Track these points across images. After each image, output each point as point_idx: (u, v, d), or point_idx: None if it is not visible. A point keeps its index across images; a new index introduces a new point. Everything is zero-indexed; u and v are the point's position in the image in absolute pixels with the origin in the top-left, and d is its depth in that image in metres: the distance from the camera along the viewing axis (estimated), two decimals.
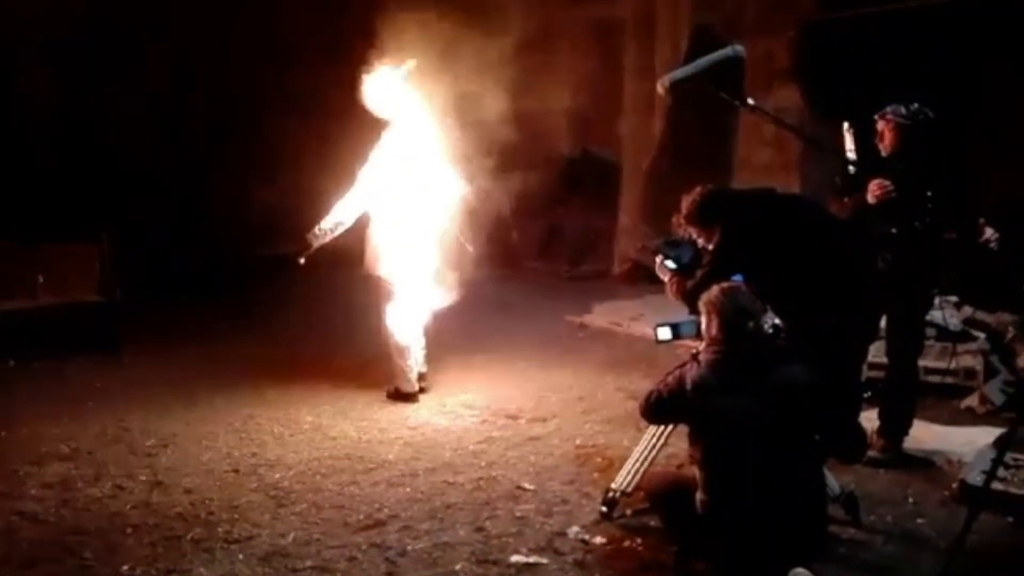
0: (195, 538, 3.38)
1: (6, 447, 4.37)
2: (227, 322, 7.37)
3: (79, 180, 9.33)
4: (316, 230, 5.13)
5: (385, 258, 5.18)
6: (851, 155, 4.17)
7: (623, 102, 9.94)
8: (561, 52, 11.02)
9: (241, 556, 3.24)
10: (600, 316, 7.44)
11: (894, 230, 4.06)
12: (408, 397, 5.21)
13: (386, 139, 5.20)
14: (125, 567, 3.16)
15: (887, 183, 3.96)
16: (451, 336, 6.88)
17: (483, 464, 4.18)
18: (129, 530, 3.45)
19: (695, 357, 3.08)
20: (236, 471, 4.08)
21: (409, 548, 3.31)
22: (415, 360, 5.31)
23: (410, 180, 5.17)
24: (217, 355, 6.32)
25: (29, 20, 8.99)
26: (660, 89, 3.64)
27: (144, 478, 3.99)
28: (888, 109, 4.08)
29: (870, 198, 4.00)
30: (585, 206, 10.07)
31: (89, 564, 3.19)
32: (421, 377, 5.35)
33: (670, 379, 3.06)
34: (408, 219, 5.18)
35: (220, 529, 3.46)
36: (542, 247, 10.20)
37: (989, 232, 4.03)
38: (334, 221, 5.14)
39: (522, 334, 7.02)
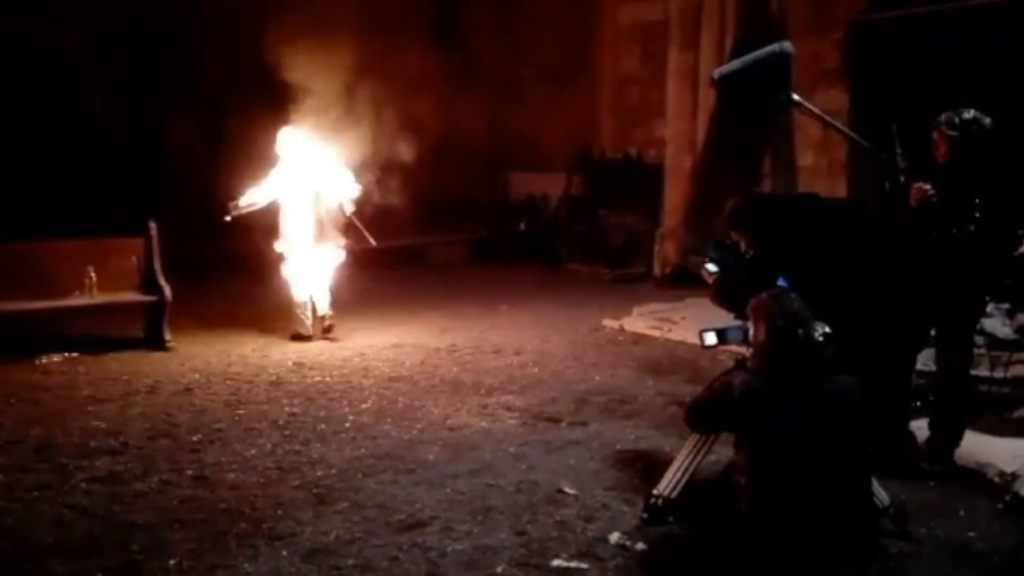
0: (240, 534, 3.43)
1: (56, 441, 4.46)
2: (264, 315, 7.49)
3: (128, 177, 9.59)
4: (234, 204, 6.67)
5: (282, 235, 6.70)
6: (899, 158, 4.09)
7: (666, 104, 9.88)
8: (603, 52, 11.04)
9: (285, 553, 3.28)
10: (641, 319, 7.38)
11: (934, 235, 3.97)
12: (303, 338, 6.72)
13: (288, 147, 6.73)
14: (172, 561, 3.21)
15: (926, 187, 3.88)
16: (489, 337, 6.94)
17: (523, 467, 4.18)
18: (176, 525, 3.50)
19: (741, 364, 3.04)
20: (280, 468, 4.13)
21: (450, 549, 3.32)
22: (308, 309, 6.78)
23: (307, 177, 6.69)
24: (258, 349, 6.43)
25: (87, 22, 9.26)
26: (711, 82, 3.65)
27: (190, 473, 4.05)
28: (942, 119, 3.98)
29: (911, 201, 3.93)
30: (627, 208, 10.03)
31: (137, 558, 3.25)
32: (329, 328, 6.80)
33: (716, 386, 3.03)
34: (304, 205, 6.69)
35: (264, 526, 3.50)
36: (583, 249, 10.18)
37: None
38: (248, 201, 6.69)
39: (561, 336, 7.01)
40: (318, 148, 6.83)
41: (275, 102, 7.92)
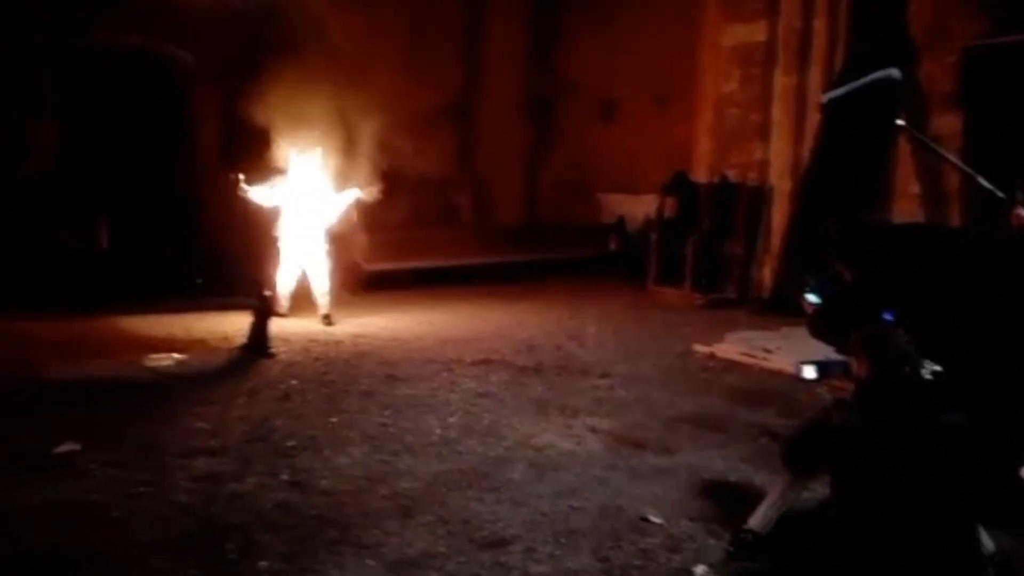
0: (329, 540, 3.52)
1: (162, 440, 4.68)
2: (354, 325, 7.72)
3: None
4: (244, 184, 7.63)
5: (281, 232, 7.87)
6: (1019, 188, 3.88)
7: (766, 127, 9.67)
8: (704, 74, 10.89)
9: (371, 562, 3.34)
10: (733, 347, 7.19)
11: None
12: (280, 315, 7.64)
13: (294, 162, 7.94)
14: (264, 563, 3.32)
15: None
16: (576, 357, 6.91)
17: (608, 492, 4.13)
18: (269, 527, 3.62)
19: (840, 402, 2.93)
20: (368, 478, 4.22)
21: (532, 570, 3.31)
22: (285, 294, 7.91)
23: (305, 186, 7.91)
24: (352, 360, 6.60)
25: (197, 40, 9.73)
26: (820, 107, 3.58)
27: (284, 478, 4.18)
28: None
29: (1013, 229, 3.74)
30: (722, 232, 9.83)
31: (232, 557, 3.37)
32: (326, 317, 7.91)
33: (814, 423, 2.93)
34: (302, 211, 7.88)
35: (352, 534, 3.58)
36: (675, 272, 10.03)
37: None
38: (257, 192, 7.71)
39: (649, 360, 6.90)
40: (320, 162, 8.02)
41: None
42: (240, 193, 7.64)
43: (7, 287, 7.83)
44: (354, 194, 8.15)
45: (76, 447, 4.47)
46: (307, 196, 7.94)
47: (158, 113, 9.94)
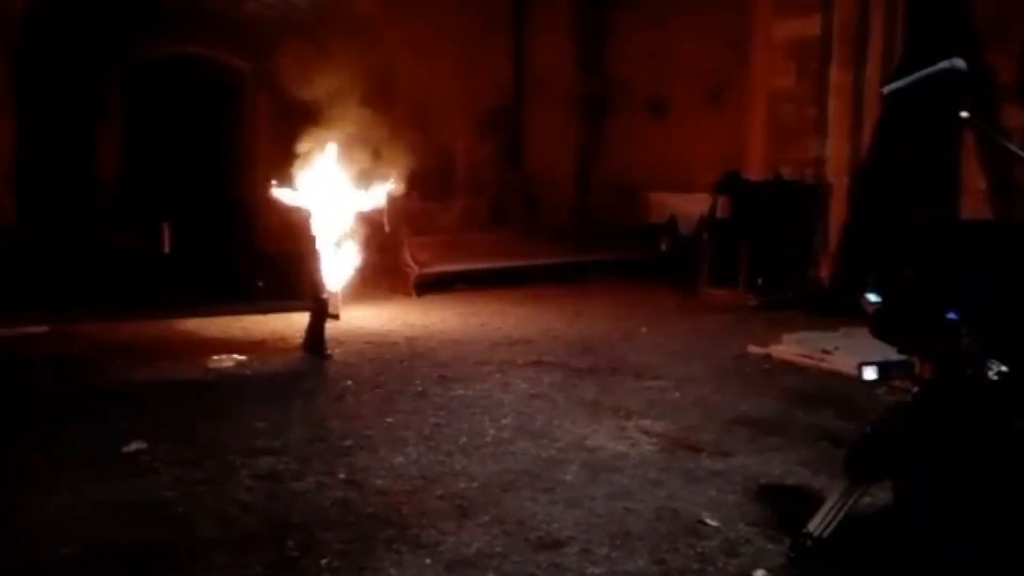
0: (387, 539, 3.57)
1: (225, 440, 4.81)
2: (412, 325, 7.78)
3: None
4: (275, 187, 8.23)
5: (317, 232, 8.03)
6: None
7: (823, 123, 9.49)
8: (755, 69, 10.74)
9: (428, 561, 3.38)
10: (790, 348, 7.07)
11: None
12: (333, 317, 7.57)
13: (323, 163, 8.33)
14: (324, 560, 3.38)
15: None
16: (628, 359, 6.88)
17: (663, 495, 4.11)
18: (328, 526, 3.69)
19: (902, 403, 2.87)
20: (424, 477, 4.27)
21: (588, 572, 3.31)
22: (333, 294, 7.95)
23: (334, 187, 8.36)
24: (406, 360, 6.67)
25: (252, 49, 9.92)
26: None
27: (343, 477, 4.26)
28: None
29: None
30: (776, 231, 9.67)
31: (292, 555, 3.44)
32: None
33: (875, 427, 2.87)
34: (332, 211, 8.36)
35: (409, 532, 3.62)
36: (729, 271, 9.90)
37: None
38: (286, 194, 8.21)
39: (703, 361, 6.84)
40: (353, 162, 8.39)
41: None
42: (271, 195, 7.93)
43: (73, 291, 8.11)
44: (384, 191, 8.40)
45: (143, 446, 4.63)
46: (335, 195, 8.21)
47: (216, 120, 10.21)
